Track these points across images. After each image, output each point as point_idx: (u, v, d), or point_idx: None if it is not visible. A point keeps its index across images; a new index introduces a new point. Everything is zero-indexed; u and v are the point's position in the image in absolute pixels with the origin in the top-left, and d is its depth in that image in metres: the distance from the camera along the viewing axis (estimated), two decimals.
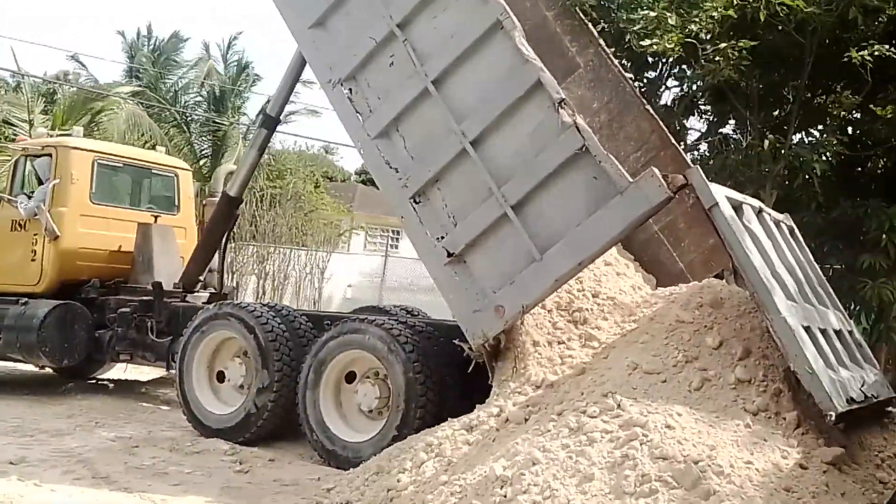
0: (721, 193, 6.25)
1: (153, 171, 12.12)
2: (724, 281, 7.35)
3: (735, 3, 8.58)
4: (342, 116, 7.97)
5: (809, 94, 10.10)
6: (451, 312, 7.29)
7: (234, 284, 15.01)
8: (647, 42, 8.84)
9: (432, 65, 7.41)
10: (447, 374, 7.62)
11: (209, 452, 8.01)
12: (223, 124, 20.67)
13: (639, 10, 9.11)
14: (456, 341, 7.26)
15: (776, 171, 9.12)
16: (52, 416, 9.35)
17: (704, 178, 6.28)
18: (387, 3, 7.65)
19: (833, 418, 5.07)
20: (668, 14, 8.73)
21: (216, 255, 10.91)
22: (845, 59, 8.49)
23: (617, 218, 6.49)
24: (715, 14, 8.57)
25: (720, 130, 10.86)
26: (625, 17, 9.27)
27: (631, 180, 6.46)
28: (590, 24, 9.74)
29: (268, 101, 13.36)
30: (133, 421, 9.47)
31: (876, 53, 8.42)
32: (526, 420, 5.65)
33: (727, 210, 6.10)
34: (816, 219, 9.24)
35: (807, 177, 8.90)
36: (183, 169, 12.58)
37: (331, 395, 8.01)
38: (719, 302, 6.16)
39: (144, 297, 10.60)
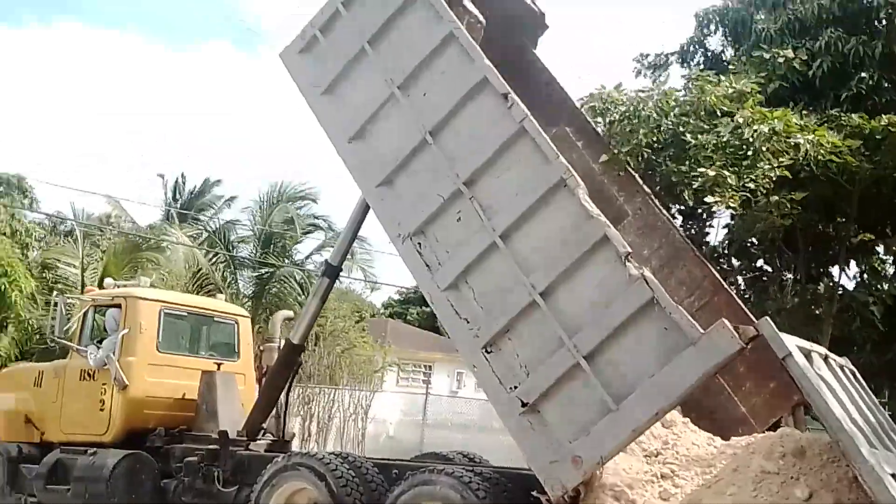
0: (793, 343, 6.40)
1: (215, 318, 12.48)
2: (795, 429, 7.37)
3: (788, 161, 9.03)
4: (412, 269, 8.30)
5: (856, 237, 10.43)
6: (527, 463, 7.35)
7: (294, 431, 15.10)
8: (710, 199, 9.22)
9: (499, 220, 7.77)
10: None
11: None
12: (273, 265, 21.31)
13: (694, 165, 9.56)
14: (534, 493, 7.28)
15: (831, 313, 9.31)
16: None
17: (775, 327, 6.45)
18: (452, 163, 8.11)
19: None
20: (728, 174, 9.16)
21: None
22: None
23: (691, 369, 6.64)
24: (771, 173, 8.99)
25: (765, 273, 11.11)
26: (675, 170, 9.70)
27: (702, 331, 6.64)
28: (636, 175, 10.19)
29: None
30: None
31: None
32: None
33: (801, 360, 6.24)
34: (872, 359, 9.33)
35: (861, 317, 9.05)
36: (243, 316, 12.94)
37: None
38: (801, 451, 6.21)
39: (210, 446, 10.70)
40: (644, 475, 7.13)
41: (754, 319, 8.76)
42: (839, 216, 9.88)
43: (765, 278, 10.90)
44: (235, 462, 10.44)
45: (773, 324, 6.49)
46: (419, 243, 8.27)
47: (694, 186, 9.36)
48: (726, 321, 6.64)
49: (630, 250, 7.16)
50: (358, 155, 8.87)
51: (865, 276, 10.09)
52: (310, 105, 9.32)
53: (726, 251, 11.02)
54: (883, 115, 9.56)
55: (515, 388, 7.41)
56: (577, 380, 7.12)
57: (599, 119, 10.38)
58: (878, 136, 9.37)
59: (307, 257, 22.70)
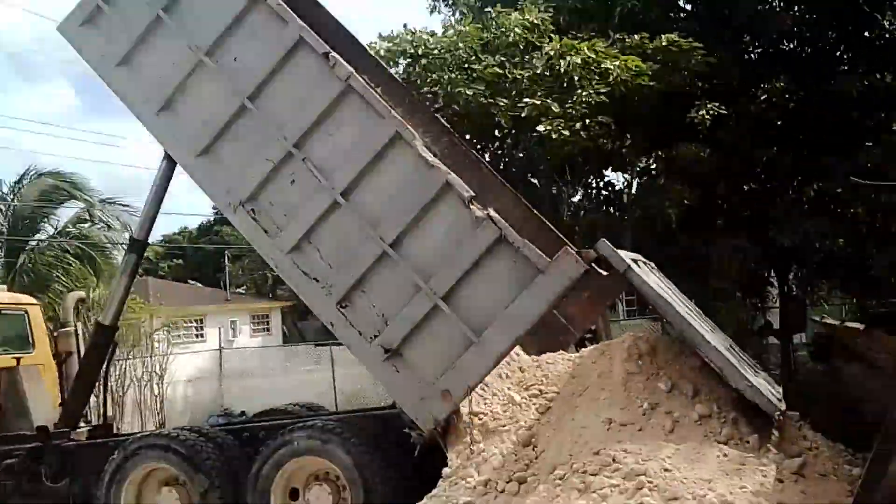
0: (627, 257, 7.29)
1: (1, 311, 11.48)
2: (636, 333, 8.33)
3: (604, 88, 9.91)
4: (250, 236, 8.29)
5: (660, 152, 11.70)
6: (398, 404, 7.79)
7: (112, 413, 14.32)
8: (542, 128, 9.85)
9: (337, 178, 7.94)
10: (395, 461, 8.06)
11: None
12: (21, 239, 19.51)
13: (516, 98, 10.11)
14: (406, 430, 7.73)
15: (633, 221, 10.52)
16: None
17: (612, 246, 7.30)
18: (278, 127, 8.10)
19: (780, 417, 6.20)
20: (550, 102, 9.85)
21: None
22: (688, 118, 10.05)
23: (543, 294, 7.34)
24: (589, 100, 9.81)
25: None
26: (494, 102, 10.15)
27: (549, 260, 7.35)
28: (439, 116, 10.65)
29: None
30: None
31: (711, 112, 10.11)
32: (518, 491, 6.29)
33: (638, 270, 7.14)
34: (661, 255, 10.66)
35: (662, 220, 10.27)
36: (31, 304, 11.99)
37: (282, 499, 8.18)
38: (654, 350, 7.15)
39: (29, 445, 10.04)
40: (516, 397, 7.81)
41: (565, 239, 9.70)
42: (629, 134, 11.00)
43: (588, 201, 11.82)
44: (61, 455, 9.92)
45: (609, 243, 7.33)
46: (252, 210, 8.25)
47: (522, 115, 9.93)
48: (570, 247, 7.41)
49: (473, 194, 7.66)
50: (170, 127, 8.59)
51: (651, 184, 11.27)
52: (104, 79, 8.82)
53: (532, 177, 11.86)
54: (662, 35, 10.65)
55: (376, 336, 7.76)
56: (438, 320, 7.60)
57: (402, 61, 10.64)
58: (658, 57, 10.46)
59: (59, 231, 20.91)
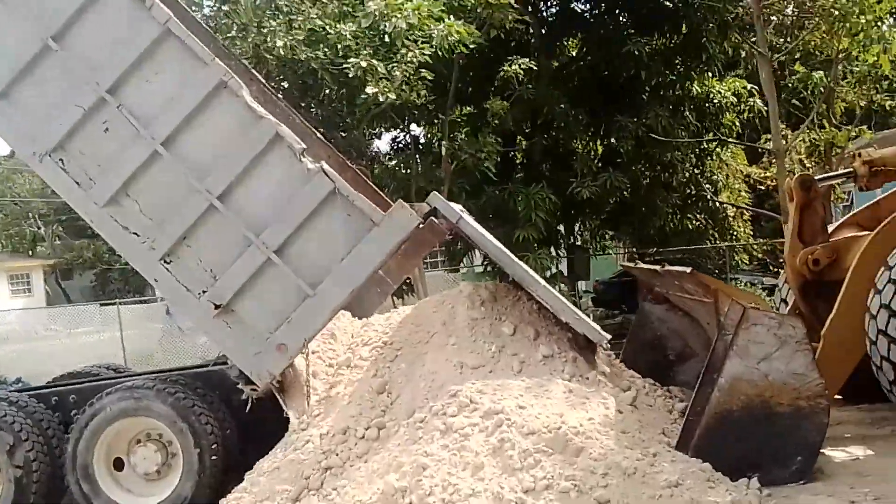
0: (457, 208, 7.58)
1: None
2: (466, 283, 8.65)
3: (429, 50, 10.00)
4: (60, 189, 7.73)
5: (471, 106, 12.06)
6: (231, 359, 7.62)
7: None
8: (371, 90, 9.78)
9: (157, 128, 7.56)
10: (219, 415, 7.95)
11: None
12: None
13: (341, 57, 9.95)
14: (239, 385, 7.63)
15: (451, 172, 10.89)
16: None
17: (443, 199, 7.56)
18: (92, 70, 7.57)
19: (607, 344, 6.87)
20: (377, 63, 9.79)
21: None
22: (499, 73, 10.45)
23: (377, 247, 7.47)
24: (414, 60, 9.86)
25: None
26: (315, 57, 9.94)
27: (383, 213, 7.48)
28: (246, 63, 10.34)
29: None
30: None
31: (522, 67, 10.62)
32: (378, 437, 6.45)
33: (469, 219, 7.48)
34: (470, 207, 11.14)
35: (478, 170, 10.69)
36: None
37: (106, 470, 7.82)
38: (493, 297, 7.48)
39: None
40: (360, 348, 7.90)
41: (378, 190, 9.88)
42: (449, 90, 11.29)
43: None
44: None
45: (441, 196, 7.60)
46: (61, 160, 7.68)
47: (349, 75, 9.84)
48: (403, 202, 7.57)
49: (305, 146, 7.59)
50: None
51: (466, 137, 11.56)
52: None
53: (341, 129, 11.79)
54: None
55: (204, 292, 7.56)
56: (271, 274, 7.51)
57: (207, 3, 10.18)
58: (479, 10, 10.72)
59: None
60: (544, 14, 12.90)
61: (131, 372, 10.44)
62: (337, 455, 6.39)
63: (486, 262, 13.53)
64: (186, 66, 7.58)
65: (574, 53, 11.88)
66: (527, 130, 10.77)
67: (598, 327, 7.20)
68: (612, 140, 12.18)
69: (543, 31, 12.71)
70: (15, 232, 36.31)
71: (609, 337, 7.06)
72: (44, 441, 7.96)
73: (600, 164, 11.67)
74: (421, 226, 7.46)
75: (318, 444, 6.51)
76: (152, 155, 7.55)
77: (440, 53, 10.05)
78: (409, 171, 10.85)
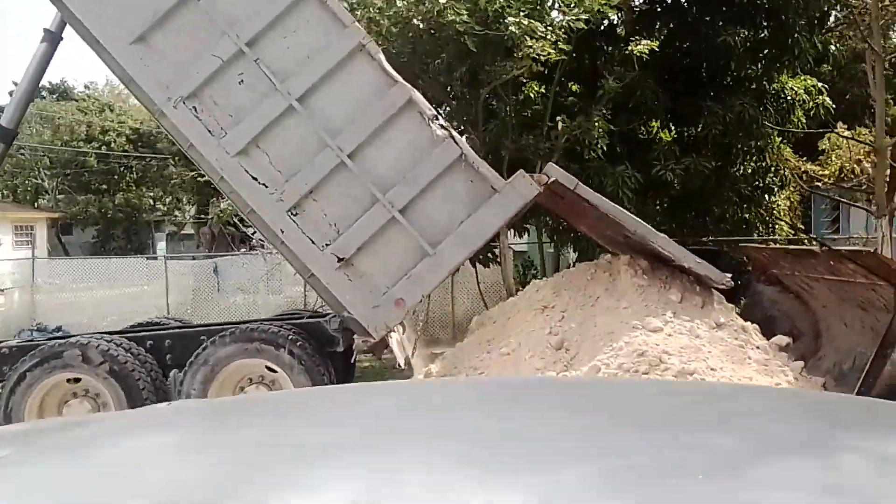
0: (571, 176, 7.97)
1: None
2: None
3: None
4: (192, 134, 7.95)
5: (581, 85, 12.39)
6: (350, 311, 7.93)
7: None
8: (532, 44, 10.17)
9: (293, 84, 7.84)
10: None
11: None
12: None
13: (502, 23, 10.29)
14: (355, 336, 7.97)
15: (561, 145, 11.28)
16: None
17: (560, 169, 7.96)
18: (231, 23, 7.82)
19: (729, 282, 7.57)
20: (536, 23, 10.30)
21: None
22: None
23: (497, 213, 7.85)
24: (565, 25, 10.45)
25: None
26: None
27: (505, 181, 7.85)
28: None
29: None
30: None
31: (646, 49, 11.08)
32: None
33: (585, 187, 7.89)
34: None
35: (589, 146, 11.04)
36: None
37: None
38: (652, 268, 7.85)
39: None
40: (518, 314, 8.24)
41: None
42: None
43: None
44: None
45: (556, 166, 8.01)
46: (195, 107, 7.93)
47: (517, 32, 10.07)
48: (524, 171, 7.94)
49: (435, 112, 7.93)
50: (101, 8, 7.93)
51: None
52: None
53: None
54: None
55: (328, 245, 7.88)
56: (393, 232, 7.86)
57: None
58: None
59: None
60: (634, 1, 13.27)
61: (198, 324, 10.68)
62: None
63: (548, 235, 13.91)
64: (326, 27, 7.86)
65: (662, 39, 12.24)
66: (608, 114, 11.05)
67: (717, 270, 7.71)
68: (694, 127, 12.54)
69: (635, 16, 13.04)
70: (19, 182, 36.00)
71: (730, 276, 7.59)
72: (151, 380, 8.25)
73: (681, 150, 12.01)
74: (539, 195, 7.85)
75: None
76: (286, 110, 7.83)
77: (586, 20, 10.36)
78: (523, 144, 11.09)
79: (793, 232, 13.97)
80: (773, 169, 12.89)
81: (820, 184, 15.11)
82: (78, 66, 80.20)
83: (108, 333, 9.53)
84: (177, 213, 39.20)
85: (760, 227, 13.21)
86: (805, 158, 14.63)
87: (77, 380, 8.16)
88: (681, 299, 7.40)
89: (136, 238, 36.74)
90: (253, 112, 7.87)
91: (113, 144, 35.67)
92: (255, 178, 7.91)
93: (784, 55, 12.17)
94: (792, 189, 14.05)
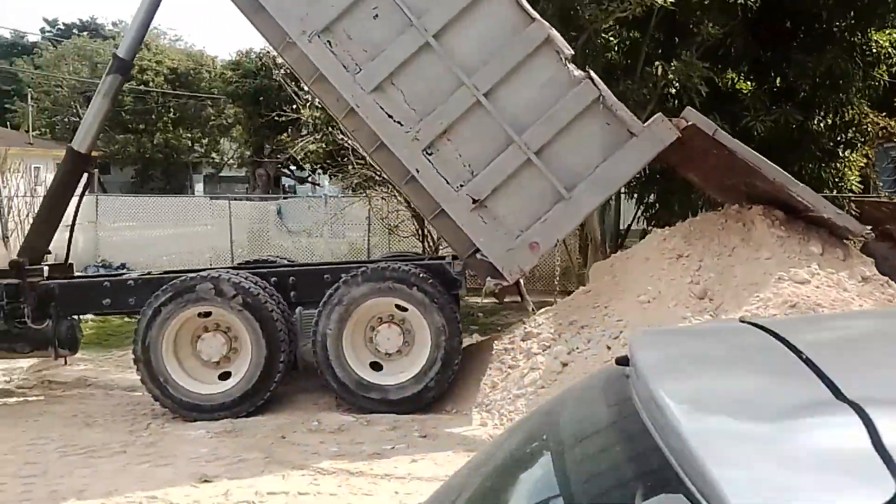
0: (710, 121, 7.86)
1: None
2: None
3: None
4: (326, 70, 7.85)
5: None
6: (484, 252, 7.87)
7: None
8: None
9: (429, 19, 7.71)
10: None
11: None
12: None
13: None
14: (489, 278, 7.93)
15: (659, 92, 11.10)
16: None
17: (698, 114, 7.85)
18: None
19: (870, 233, 7.70)
20: None
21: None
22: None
23: (635, 157, 7.77)
24: None
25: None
26: None
27: (643, 125, 7.75)
28: None
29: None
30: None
31: None
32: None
33: (724, 133, 7.78)
34: None
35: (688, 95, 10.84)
36: None
37: (358, 340, 8.17)
38: (788, 221, 7.82)
39: (3, 281, 9.07)
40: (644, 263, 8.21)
41: None
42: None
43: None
44: (42, 294, 9.09)
45: (694, 111, 7.89)
46: (329, 41, 7.83)
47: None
48: (662, 115, 7.83)
49: (573, 52, 7.80)
50: None
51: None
52: None
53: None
54: None
55: (462, 186, 7.82)
56: (528, 174, 7.79)
57: None
58: None
59: None
60: None
61: (327, 262, 10.67)
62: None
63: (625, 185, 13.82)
64: None
65: None
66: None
67: (856, 221, 7.68)
68: (781, 78, 12.33)
69: None
70: (57, 120, 35.91)
71: (870, 227, 7.56)
72: (282, 314, 8.26)
73: (770, 102, 11.82)
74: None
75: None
76: (422, 47, 7.72)
77: None
78: (626, 89, 10.90)
79: (862, 188, 13.83)
80: (855, 124, 12.71)
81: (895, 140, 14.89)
82: (107, 4, 79.54)
83: (234, 268, 9.57)
84: (213, 154, 39.08)
85: (830, 184, 13.04)
86: (884, 114, 14.40)
87: (207, 314, 8.20)
88: (822, 251, 7.35)
89: (175, 179, 36.69)
90: (388, 48, 7.76)
91: (151, 84, 35.43)
92: (391, 116, 7.83)
93: (877, 6, 11.89)
94: (869, 146, 13.86)
